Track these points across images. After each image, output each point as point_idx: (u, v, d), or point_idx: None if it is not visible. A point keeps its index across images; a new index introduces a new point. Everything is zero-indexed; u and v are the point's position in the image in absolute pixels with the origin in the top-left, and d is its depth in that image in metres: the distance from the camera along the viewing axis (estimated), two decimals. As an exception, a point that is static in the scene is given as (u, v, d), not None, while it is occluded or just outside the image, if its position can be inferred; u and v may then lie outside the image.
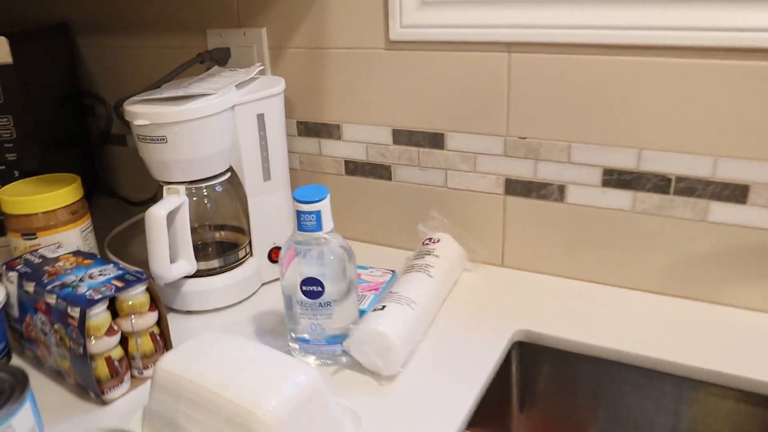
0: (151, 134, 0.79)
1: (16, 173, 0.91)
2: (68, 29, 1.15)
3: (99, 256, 0.79)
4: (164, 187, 0.82)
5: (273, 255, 0.91)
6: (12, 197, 0.83)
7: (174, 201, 0.80)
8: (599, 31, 0.77)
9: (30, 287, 0.73)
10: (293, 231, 0.72)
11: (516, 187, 0.89)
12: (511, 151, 0.88)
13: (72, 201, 0.86)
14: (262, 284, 0.92)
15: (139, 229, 1.07)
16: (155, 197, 1.13)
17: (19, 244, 0.84)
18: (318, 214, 0.69)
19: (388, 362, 0.71)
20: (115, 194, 1.24)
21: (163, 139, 0.79)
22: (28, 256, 0.79)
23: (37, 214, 0.83)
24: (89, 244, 0.89)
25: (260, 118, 0.85)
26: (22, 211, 0.83)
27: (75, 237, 0.86)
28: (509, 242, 0.93)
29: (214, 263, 0.86)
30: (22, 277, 0.74)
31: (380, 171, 0.97)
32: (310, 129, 1.00)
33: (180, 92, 0.81)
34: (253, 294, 0.90)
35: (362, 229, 1.03)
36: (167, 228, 0.78)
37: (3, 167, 0.91)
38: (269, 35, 0.98)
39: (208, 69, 1.02)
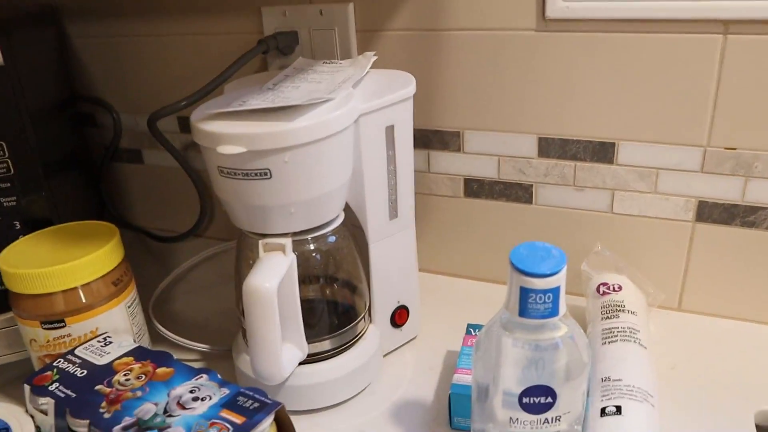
0: (247, 167, 0.52)
1: (18, 225, 0.62)
2: (56, 15, 0.84)
3: (174, 356, 0.52)
4: (260, 243, 0.55)
5: (397, 318, 0.66)
6: (20, 269, 0.55)
7: (281, 264, 0.54)
8: None
9: (81, 427, 0.46)
10: (503, 313, 0.47)
11: (713, 212, 0.67)
12: (713, 166, 0.65)
13: (113, 266, 0.58)
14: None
15: (177, 278, 0.80)
16: (195, 229, 0.86)
17: (38, 335, 0.56)
18: (556, 292, 0.44)
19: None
20: (129, 225, 0.94)
21: (266, 174, 0.52)
22: (65, 364, 0.51)
23: (64, 291, 0.55)
24: (137, 325, 0.61)
25: (389, 132, 0.59)
26: (39, 290, 0.55)
27: (120, 318, 0.59)
28: (691, 280, 0.71)
29: (326, 344, 0.60)
30: (62, 405, 0.47)
31: (517, 192, 0.73)
32: (416, 139, 0.74)
33: (268, 101, 0.54)
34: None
35: (486, 265, 0.78)
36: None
37: (-3, 217, 0.62)
38: (357, 13, 0.71)
39: (265, 64, 0.75)
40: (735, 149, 0.64)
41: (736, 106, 0.62)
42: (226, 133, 0.51)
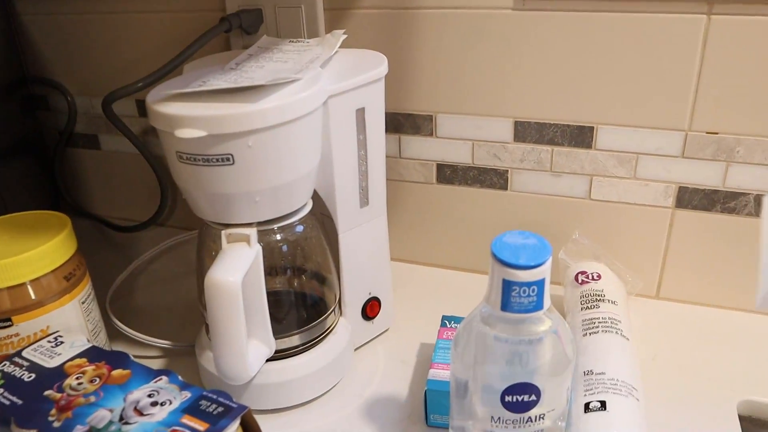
0: (208, 152, 0.48)
1: (-42, 215, 0.57)
2: (-1, -15, 0.79)
3: (131, 357, 0.48)
4: (223, 233, 0.51)
5: (369, 310, 0.63)
6: (-37, 262, 0.50)
7: (246, 256, 0.50)
8: None
9: (30, 434, 0.42)
10: (484, 306, 0.44)
11: (693, 199, 0.65)
12: (694, 151, 0.63)
13: (65, 259, 0.54)
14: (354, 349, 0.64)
15: (137, 270, 0.76)
16: (156, 218, 0.81)
17: (-19, 336, 0.52)
18: (541, 285, 0.42)
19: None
20: (86, 214, 0.89)
21: (229, 160, 0.48)
22: (11, 368, 0.47)
23: (10, 287, 0.51)
24: (93, 322, 0.57)
25: (360, 115, 0.55)
26: (-17, 284, 0.50)
27: (73, 315, 0.55)
28: (670, 268, 0.69)
29: (294, 340, 0.57)
30: (7, 413, 0.43)
31: (491, 178, 0.70)
32: (388, 122, 0.71)
33: (231, 81, 0.51)
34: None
35: (460, 254, 0.76)
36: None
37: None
38: (325, -11, 0.68)
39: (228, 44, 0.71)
40: (717, 133, 0.62)
41: (719, 88, 0.60)
42: (185, 115, 0.47)
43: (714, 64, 0.59)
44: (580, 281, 0.64)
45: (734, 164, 0.63)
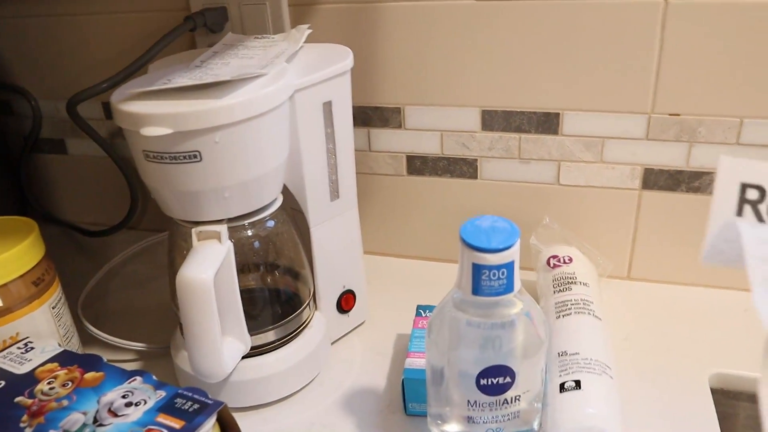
0: (175, 149, 0.48)
1: None
2: (-45, -10, 0.77)
3: (104, 359, 0.48)
4: (193, 231, 0.51)
5: (344, 304, 0.63)
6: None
7: (217, 253, 0.50)
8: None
9: (3, 441, 0.41)
10: (455, 292, 0.45)
11: (659, 179, 0.66)
12: (657, 133, 0.64)
13: (33, 264, 0.53)
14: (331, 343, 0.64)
15: (110, 274, 0.75)
16: (127, 222, 0.80)
17: (-51, 345, 0.51)
18: (510, 267, 0.42)
19: (613, 472, 0.46)
20: (55, 220, 0.88)
21: (196, 157, 0.48)
22: (-19, 375, 0.46)
23: (-23, 294, 0.50)
24: (64, 327, 0.57)
25: (327, 108, 0.55)
26: (-51, 292, 0.50)
27: (43, 320, 0.54)
28: (639, 249, 0.70)
29: (270, 335, 0.57)
30: (-18, 419, 0.42)
31: (461, 167, 0.71)
32: (355, 116, 0.71)
33: (196, 78, 0.51)
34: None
35: (433, 244, 0.76)
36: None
37: None
38: (289, -15, 0.68)
39: (194, 42, 0.70)
40: (679, 115, 0.63)
41: (679, 71, 0.61)
42: (150, 113, 0.47)
43: (673, 47, 0.60)
44: (551, 265, 0.65)
45: (697, 144, 0.64)
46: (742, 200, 0.34)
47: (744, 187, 0.34)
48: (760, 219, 0.34)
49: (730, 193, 0.34)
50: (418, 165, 0.72)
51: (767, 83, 0.60)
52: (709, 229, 0.32)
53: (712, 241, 0.33)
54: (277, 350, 0.58)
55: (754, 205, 0.34)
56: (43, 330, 0.54)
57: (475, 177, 0.71)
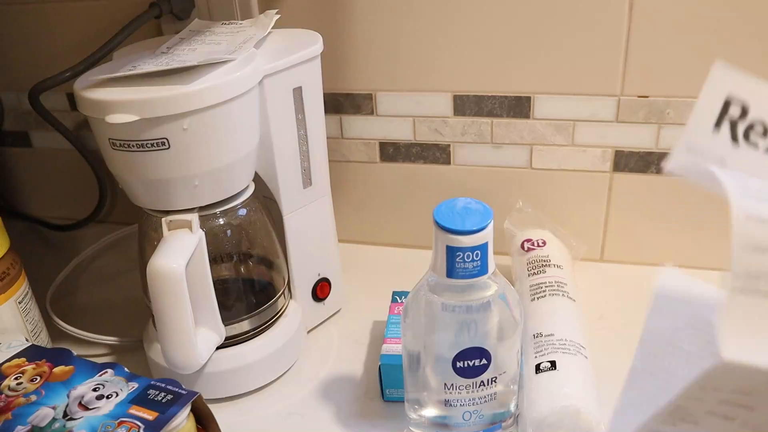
0: (142, 137, 0.47)
1: None
2: None
3: (74, 353, 0.47)
4: (164, 220, 0.50)
5: (319, 292, 0.62)
6: None
7: (188, 242, 0.49)
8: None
9: (-30, 438, 0.40)
10: (430, 276, 0.45)
11: (629, 161, 0.67)
12: (627, 115, 0.65)
13: (-2, 258, 0.52)
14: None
15: (80, 269, 0.74)
16: (96, 215, 0.79)
17: None
18: (484, 249, 0.42)
19: (590, 451, 0.47)
20: (21, 215, 0.86)
21: (164, 144, 0.47)
22: (-54, 372, 0.45)
23: (-60, 290, 0.49)
24: (32, 322, 0.55)
25: (297, 94, 0.55)
26: None
27: (9, 315, 0.53)
28: (612, 231, 0.71)
29: (245, 325, 0.57)
30: (-53, 417, 0.41)
31: (434, 153, 0.71)
32: (327, 103, 0.70)
33: (162, 64, 0.49)
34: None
35: (408, 231, 0.76)
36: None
37: None
38: (256, -30, 0.66)
39: (161, 29, 0.69)
40: (648, 97, 0.63)
41: (647, 53, 0.61)
42: (115, 100, 0.46)
43: (641, 29, 0.60)
44: (526, 249, 0.65)
45: (665, 126, 0.64)
46: (723, 113, 0.33)
47: (728, 101, 0.33)
48: (734, 138, 0.33)
49: (713, 103, 0.33)
50: (391, 152, 0.72)
51: (733, 64, 0.60)
52: (683, 135, 0.32)
53: (681, 150, 0.32)
54: (253, 340, 0.57)
55: (733, 123, 0.33)
56: (10, 325, 0.52)
57: (449, 163, 0.71)
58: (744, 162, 0.33)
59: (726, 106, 0.33)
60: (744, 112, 0.33)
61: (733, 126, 0.33)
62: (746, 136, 0.33)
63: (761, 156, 0.33)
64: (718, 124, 0.33)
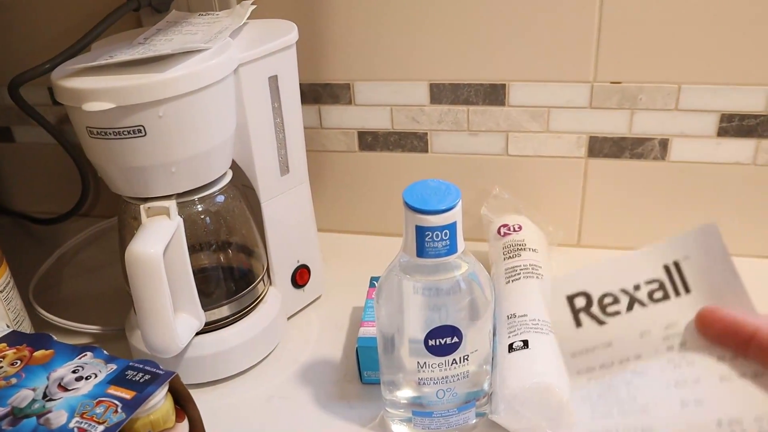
0: (119, 125, 0.48)
1: None
2: None
3: (54, 338, 0.48)
4: (142, 207, 0.51)
5: (298, 278, 0.63)
6: None
7: (166, 228, 0.50)
8: None
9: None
10: (402, 256, 0.46)
11: (604, 147, 0.68)
12: (600, 101, 0.66)
13: (-22, 247, 0.53)
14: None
15: (63, 262, 0.74)
16: (79, 208, 0.79)
17: None
18: (453, 228, 0.43)
19: (561, 425, 0.48)
20: (4, 209, 0.87)
21: (140, 131, 0.48)
22: (-73, 358, 0.46)
23: None
24: (14, 311, 0.56)
25: (273, 82, 0.56)
26: None
27: (-9, 304, 0.53)
28: (588, 216, 0.72)
29: (224, 310, 0.58)
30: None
31: (412, 141, 0.72)
32: (306, 94, 0.71)
33: (139, 54, 0.50)
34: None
35: (387, 219, 0.77)
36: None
37: None
38: (233, -38, 0.67)
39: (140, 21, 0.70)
40: (620, 83, 0.65)
41: (618, 39, 0.62)
42: (92, 88, 0.47)
43: (612, 16, 0.62)
44: (502, 234, 0.66)
45: (638, 111, 0.66)
46: (575, 311, 0.36)
47: (570, 298, 0.36)
48: (600, 322, 0.36)
49: (563, 310, 0.37)
50: (369, 141, 0.73)
51: (703, 50, 0.62)
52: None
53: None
54: (233, 325, 0.58)
55: (587, 310, 0.36)
56: (-8, 314, 0.53)
57: (426, 151, 0.72)
58: (620, 330, 0.36)
59: (572, 304, 0.36)
60: (588, 297, 0.36)
61: (589, 313, 0.36)
62: (605, 311, 0.36)
63: (627, 317, 0.37)
64: (578, 323, 0.36)
